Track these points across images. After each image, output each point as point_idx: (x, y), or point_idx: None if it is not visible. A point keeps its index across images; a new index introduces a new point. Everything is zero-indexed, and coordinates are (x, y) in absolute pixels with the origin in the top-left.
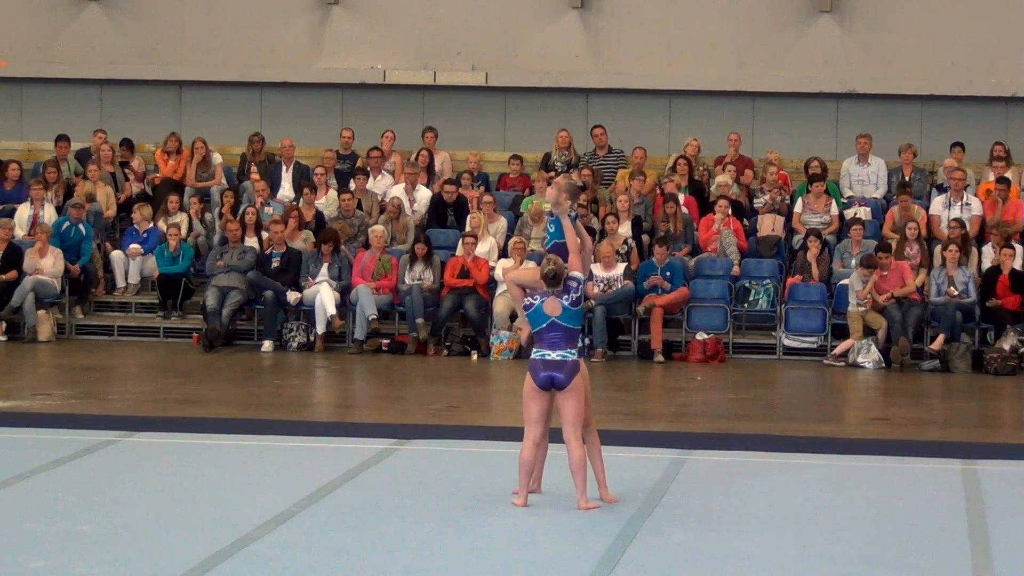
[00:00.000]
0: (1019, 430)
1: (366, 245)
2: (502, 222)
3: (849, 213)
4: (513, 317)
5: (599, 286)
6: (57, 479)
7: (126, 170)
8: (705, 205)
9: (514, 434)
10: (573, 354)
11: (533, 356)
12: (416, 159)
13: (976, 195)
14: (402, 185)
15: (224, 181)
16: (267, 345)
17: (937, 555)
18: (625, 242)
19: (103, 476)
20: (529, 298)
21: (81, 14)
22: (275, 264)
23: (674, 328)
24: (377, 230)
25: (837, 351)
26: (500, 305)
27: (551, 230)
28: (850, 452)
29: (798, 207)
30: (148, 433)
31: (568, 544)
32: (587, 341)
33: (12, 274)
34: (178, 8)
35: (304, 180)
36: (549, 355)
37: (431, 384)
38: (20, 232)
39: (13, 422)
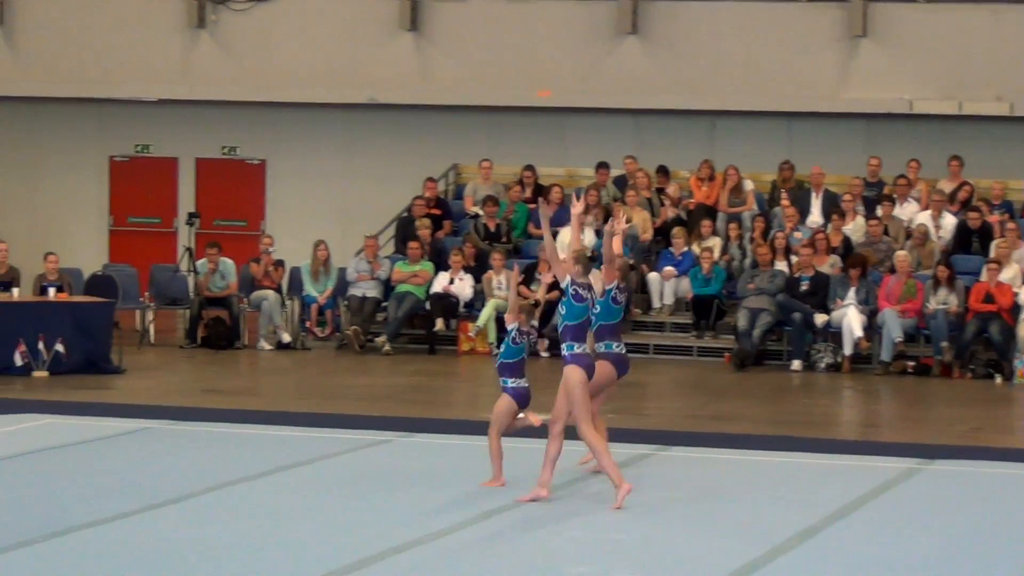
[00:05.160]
0: None
1: (892, 270)
2: None
3: None
4: None
5: None
6: (595, 491)
7: (662, 196)
8: None
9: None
10: None
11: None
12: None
13: None
14: (928, 212)
15: (755, 207)
16: (796, 365)
17: None
18: None
19: (638, 488)
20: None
21: (619, 47)
22: (804, 287)
23: None
24: (900, 255)
25: None
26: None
27: None
28: None
29: None
30: (682, 447)
31: None
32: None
33: (554, 294)
34: (713, 41)
35: (832, 207)
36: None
37: (955, 406)
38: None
39: None
